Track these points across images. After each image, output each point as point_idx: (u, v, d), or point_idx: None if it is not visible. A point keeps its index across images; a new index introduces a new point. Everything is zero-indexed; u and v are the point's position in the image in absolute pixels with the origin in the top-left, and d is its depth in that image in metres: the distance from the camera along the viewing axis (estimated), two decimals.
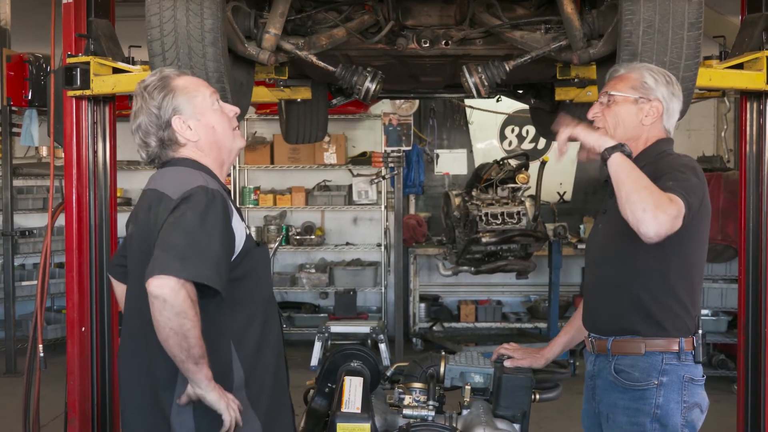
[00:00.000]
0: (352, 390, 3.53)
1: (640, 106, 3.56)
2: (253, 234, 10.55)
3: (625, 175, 3.24)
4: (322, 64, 4.23)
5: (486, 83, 4.26)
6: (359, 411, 3.42)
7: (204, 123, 3.13)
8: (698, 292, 3.52)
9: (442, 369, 3.85)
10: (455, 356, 3.95)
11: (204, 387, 2.90)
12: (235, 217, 3.04)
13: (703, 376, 3.58)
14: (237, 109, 3.24)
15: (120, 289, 3.42)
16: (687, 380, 3.49)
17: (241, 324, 3.03)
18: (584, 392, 3.81)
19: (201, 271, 2.83)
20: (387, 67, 4.74)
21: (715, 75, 4.71)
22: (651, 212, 3.11)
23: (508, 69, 4.24)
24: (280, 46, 4.16)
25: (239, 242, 3.03)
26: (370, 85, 4.34)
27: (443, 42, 4.47)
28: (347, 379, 3.59)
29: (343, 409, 3.42)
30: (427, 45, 4.46)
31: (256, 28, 4.15)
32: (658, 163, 3.50)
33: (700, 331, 3.55)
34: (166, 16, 3.77)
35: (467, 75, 4.29)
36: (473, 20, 4.50)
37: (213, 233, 2.90)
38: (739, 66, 4.90)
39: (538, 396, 3.83)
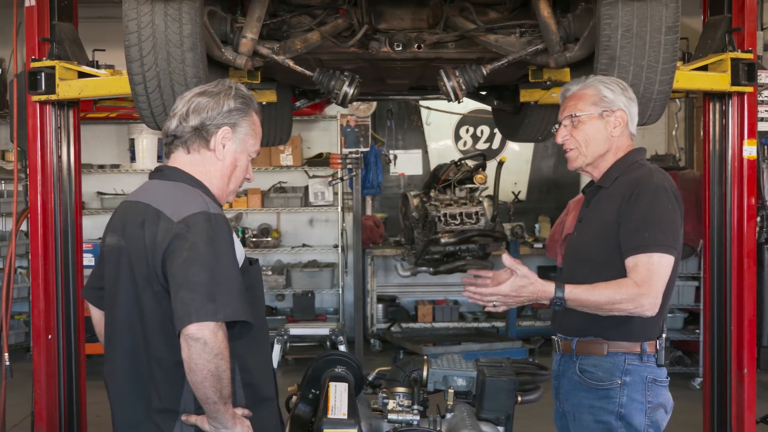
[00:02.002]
0: (338, 396, 3.50)
1: (606, 119, 3.61)
2: None
3: (589, 303, 3.39)
4: (299, 68, 4.21)
5: (464, 87, 4.27)
6: (346, 417, 3.39)
7: (235, 157, 3.11)
8: (667, 299, 3.56)
9: (425, 373, 3.84)
10: (438, 360, 3.95)
11: (230, 426, 2.89)
12: (235, 239, 3.00)
13: (667, 378, 3.66)
14: (252, 177, 3.25)
15: (97, 314, 3.29)
16: (650, 381, 3.56)
17: (243, 345, 2.98)
18: (552, 392, 3.86)
19: (234, 308, 2.82)
20: (355, 71, 4.73)
21: (681, 77, 4.76)
22: (635, 309, 3.36)
23: (485, 72, 4.25)
24: (256, 50, 4.13)
25: (239, 262, 2.99)
26: (348, 90, 4.33)
27: (416, 45, 4.46)
28: (332, 384, 3.56)
29: (330, 416, 3.39)
30: (400, 48, 4.44)
31: (233, 33, 4.11)
32: (633, 174, 3.57)
33: (664, 335, 3.64)
34: (144, 22, 3.73)
35: (445, 79, 4.29)
36: (447, 24, 4.50)
37: (228, 261, 2.87)
38: (704, 68, 4.97)
39: (519, 398, 3.84)
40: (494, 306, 3.51)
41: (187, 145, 3.07)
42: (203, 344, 2.75)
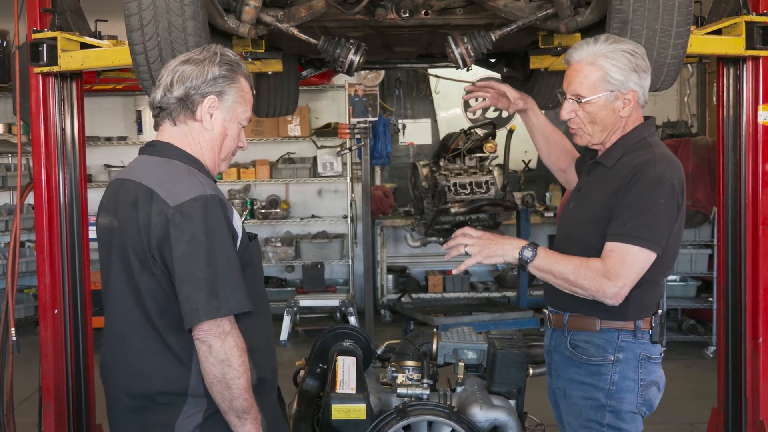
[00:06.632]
0: (346, 370, 3.47)
1: (614, 102, 3.47)
2: None
3: (552, 275, 3.32)
4: (303, 36, 4.12)
5: (472, 54, 4.18)
6: (354, 392, 3.36)
7: (224, 126, 3.02)
8: (665, 275, 3.49)
9: (434, 346, 3.80)
10: (448, 332, 3.90)
11: None
12: (234, 215, 2.94)
13: (661, 354, 3.55)
14: (246, 145, 3.16)
15: None
16: (643, 358, 3.46)
17: (246, 323, 2.90)
18: (546, 367, 3.78)
19: (238, 299, 2.78)
20: (362, 38, 4.65)
21: (695, 41, 4.65)
22: (596, 293, 3.26)
23: (494, 38, 4.16)
24: (260, 18, 4.04)
25: (239, 240, 2.93)
26: (354, 58, 4.25)
27: (423, 12, 4.36)
28: (340, 359, 3.53)
29: (338, 390, 3.36)
30: (407, 15, 4.35)
31: (235, 1, 4.02)
32: (637, 157, 3.44)
33: (660, 311, 3.52)
34: None
35: (453, 45, 4.20)
36: None
37: (226, 249, 2.81)
38: (717, 32, 4.87)
39: (531, 371, 3.80)
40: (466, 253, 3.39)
41: (173, 116, 3.00)
42: (208, 347, 2.74)
